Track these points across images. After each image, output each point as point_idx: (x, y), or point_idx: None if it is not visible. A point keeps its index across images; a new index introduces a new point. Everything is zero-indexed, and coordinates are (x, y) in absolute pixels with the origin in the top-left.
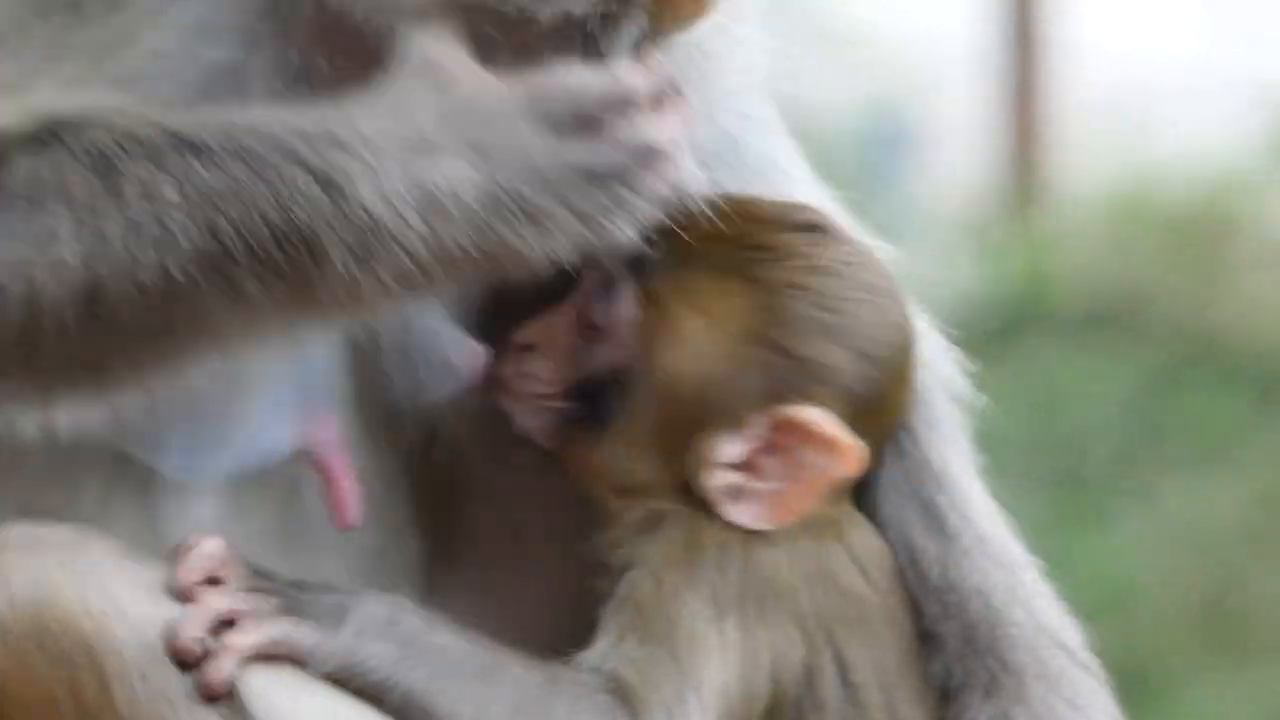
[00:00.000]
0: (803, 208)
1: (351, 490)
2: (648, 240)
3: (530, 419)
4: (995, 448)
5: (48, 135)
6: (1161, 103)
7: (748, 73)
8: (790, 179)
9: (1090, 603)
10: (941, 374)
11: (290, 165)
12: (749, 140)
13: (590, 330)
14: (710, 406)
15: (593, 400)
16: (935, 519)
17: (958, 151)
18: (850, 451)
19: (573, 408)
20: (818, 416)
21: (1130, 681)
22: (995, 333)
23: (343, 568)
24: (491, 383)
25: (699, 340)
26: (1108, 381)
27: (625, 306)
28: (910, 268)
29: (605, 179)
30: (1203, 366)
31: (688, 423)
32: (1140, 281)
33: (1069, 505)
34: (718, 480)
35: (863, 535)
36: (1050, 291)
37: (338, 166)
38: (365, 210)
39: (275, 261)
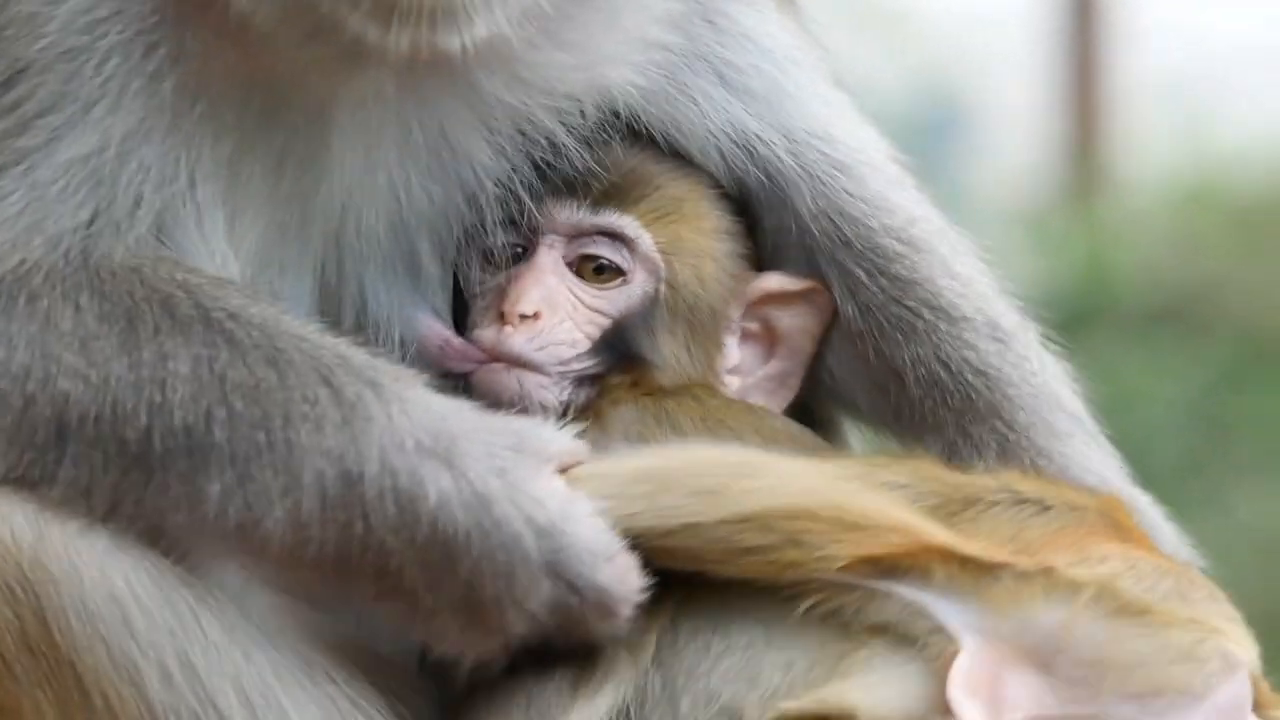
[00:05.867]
0: None
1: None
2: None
3: (548, 390)
4: None
5: (82, 275)
6: (1229, 84)
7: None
8: (828, 117)
9: None
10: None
11: (320, 385)
12: (783, 82)
13: (604, 279)
14: (716, 313)
15: (619, 343)
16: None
17: (1014, 137)
18: (817, 292)
19: (605, 359)
20: (775, 279)
21: None
22: (1056, 329)
23: None
24: (492, 360)
25: (700, 245)
26: (1173, 380)
27: (643, 242)
28: None
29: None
30: (1273, 362)
31: (705, 337)
32: (1207, 274)
33: None
34: (729, 386)
35: None
36: (1112, 285)
37: (365, 404)
38: (360, 459)
39: (248, 470)
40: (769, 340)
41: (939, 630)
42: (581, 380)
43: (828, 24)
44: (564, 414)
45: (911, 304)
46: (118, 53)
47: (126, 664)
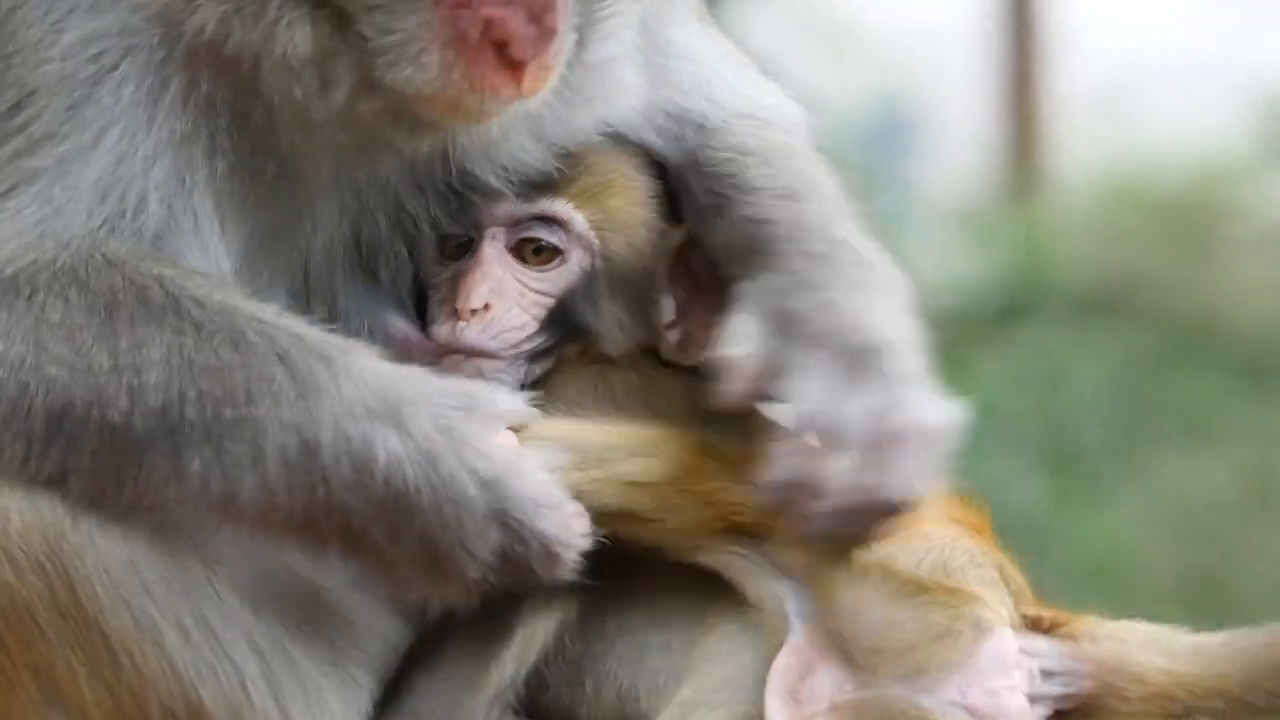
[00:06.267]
0: None
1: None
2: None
3: (505, 372)
4: (995, 425)
5: (74, 271)
6: (1154, 93)
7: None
8: (718, 79)
9: (1086, 574)
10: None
11: (276, 363)
12: (678, 48)
13: (543, 259)
14: (650, 274)
15: (564, 318)
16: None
17: (958, 141)
18: None
19: (553, 334)
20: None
21: None
22: (995, 316)
23: None
24: (451, 351)
25: (630, 215)
26: (1103, 362)
27: (576, 222)
28: (912, 254)
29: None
30: (1193, 347)
31: (643, 299)
32: (1134, 266)
33: (1066, 481)
34: (670, 340)
35: None
36: (1048, 276)
37: (316, 378)
38: (315, 429)
39: (222, 445)
40: (694, 285)
41: (778, 613)
42: (535, 356)
43: (790, 40)
44: (523, 388)
45: (724, 190)
46: (130, 83)
47: (148, 624)
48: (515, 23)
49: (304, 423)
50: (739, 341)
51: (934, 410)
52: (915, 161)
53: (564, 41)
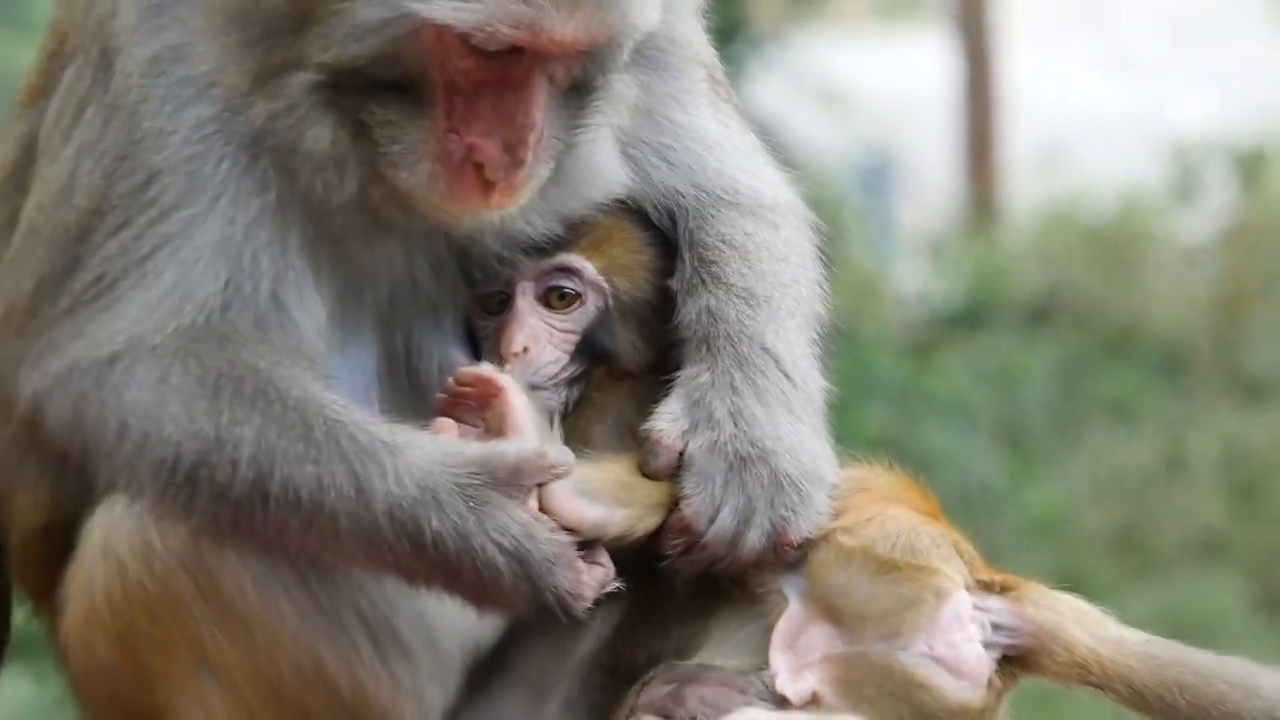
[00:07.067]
0: None
1: None
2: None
3: (549, 399)
4: (961, 412)
5: (197, 342)
6: (1087, 145)
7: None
8: (718, 149)
9: (1032, 531)
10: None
11: (338, 461)
12: (678, 118)
13: (566, 303)
14: (653, 305)
15: (589, 348)
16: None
17: (930, 184)
18: None
19: (582, 362)
20: None
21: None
22: (959, 324)
23: None
24: None
25: (629, 259)
26: (1046, 360)
27: (587, 270)
28: (894, 274)
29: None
30: (1118, 348)
31: (650, 321)
32: (1070, 282)
33: (1017, 456)
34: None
35: None
36: (1001, 291)
37: (369, 476)
38: (373, 517)
39: (309, 518)
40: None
41: (778, 592)
42: (572, 381)
43: (796, 103)
44: (566, 409)
45: (703, 276)
46: (229, 159)
47: (272, 601)
48: (492, 151)
49: (364, 513)
50: (666, 420)
51: (790, 514)
52: (896, 200)
53: (535, 169)
